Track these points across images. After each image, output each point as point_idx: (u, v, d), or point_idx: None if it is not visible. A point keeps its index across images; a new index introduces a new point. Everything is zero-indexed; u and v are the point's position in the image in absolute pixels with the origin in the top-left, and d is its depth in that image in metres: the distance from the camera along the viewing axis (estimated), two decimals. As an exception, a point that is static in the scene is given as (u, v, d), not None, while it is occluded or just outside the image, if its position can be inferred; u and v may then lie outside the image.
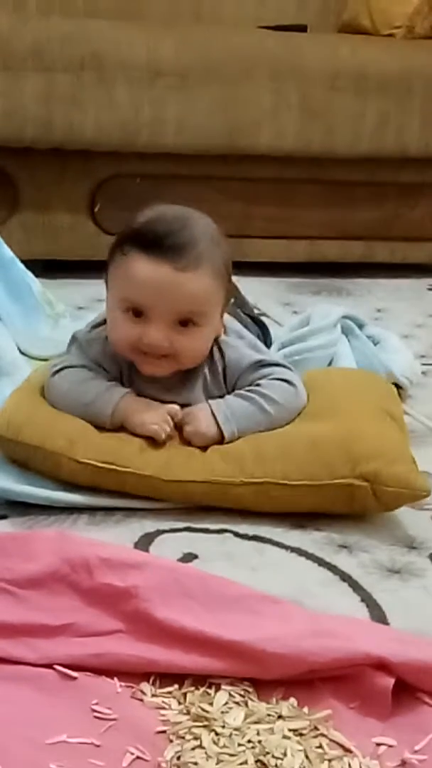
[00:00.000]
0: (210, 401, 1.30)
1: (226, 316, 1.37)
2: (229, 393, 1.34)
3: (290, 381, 1.34)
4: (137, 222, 1.28)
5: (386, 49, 2.43)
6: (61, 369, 1.34)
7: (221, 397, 1.33)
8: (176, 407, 1.30)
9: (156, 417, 1.27)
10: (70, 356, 1.38)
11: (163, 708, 0.88)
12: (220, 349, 1.35)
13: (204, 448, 1.27)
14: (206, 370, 1.34)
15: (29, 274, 1.81)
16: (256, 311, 2.00)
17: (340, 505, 1.24)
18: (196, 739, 0.84)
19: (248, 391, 1.32)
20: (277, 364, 1.36)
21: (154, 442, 1.27)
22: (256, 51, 2.28)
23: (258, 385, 1.33)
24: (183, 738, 0.84)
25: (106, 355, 1.35)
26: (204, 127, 2.23)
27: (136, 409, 1.28)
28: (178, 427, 1.29)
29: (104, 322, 1.35)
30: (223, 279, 1.29)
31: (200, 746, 0.83)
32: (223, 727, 0.85)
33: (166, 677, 0.92)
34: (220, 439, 1.28)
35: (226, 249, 1.32)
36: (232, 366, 1.35)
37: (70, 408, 1.30)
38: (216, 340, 1.34)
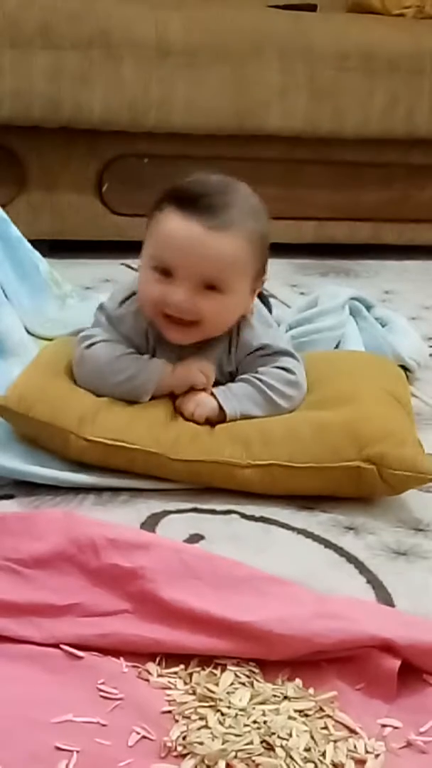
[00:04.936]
0: None
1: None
2: (236, 371, 1.34)
3: (290, 369, 1.33)
4: (180, 181, 1.29)
5: (396, 30, 2.41)
6: (95, 343, 1.33)
7: (231, 373, 1.34)
8: (210, 364, 1.31)
9: (193, 367, 1.29)
10: (100, 329, 1.36)
11: (169, 688, 0.88)
12: (239, 328, 1.34)
13: (212, 426, 1.27)
14: (224, 348, 1.34)
15: (36, 253, 1.81)
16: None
17: (346, 488, 1.24)
18: (201, 719, 0.84)
19: (246, 376, 1.32)
20: (284, 353, 1.35)
21: (164, 418, 1.27)
22: (265, 30, 2.27)
23: (257, 372, 1.32)
24: (188, 718, 0.84)
25: (135, 330, 1.34)
26: (212, 107, 2.22)
27: (174, 373, 1.30)
28: (178, 411, 1.29)
29: (131, 294, 1.35)
30: (255, 249, 1.28)
31: (206, 726, 0.83)
32: (229, 707, 0.85)
33: (172, 657, 0.92)
34: (223, 418, 1.28)
35: (266, 225, 1.31)
36: (241, 344, 1.34)
37: (104, 381, 1.30)
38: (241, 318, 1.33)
